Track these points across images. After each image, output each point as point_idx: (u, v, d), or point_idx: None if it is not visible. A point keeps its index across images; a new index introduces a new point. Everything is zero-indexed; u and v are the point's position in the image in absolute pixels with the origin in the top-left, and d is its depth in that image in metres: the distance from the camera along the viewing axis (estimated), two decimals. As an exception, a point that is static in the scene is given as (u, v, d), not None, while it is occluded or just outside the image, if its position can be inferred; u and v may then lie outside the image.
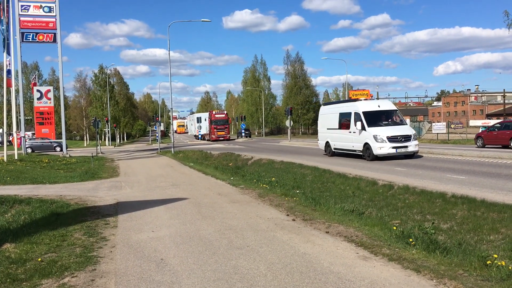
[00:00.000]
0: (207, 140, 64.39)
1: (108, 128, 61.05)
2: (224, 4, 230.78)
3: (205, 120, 67.99)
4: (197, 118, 77.70)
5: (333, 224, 8.24)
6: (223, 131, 62.37)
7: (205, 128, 69.16)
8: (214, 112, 65.36)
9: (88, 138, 74.32)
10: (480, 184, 11.74)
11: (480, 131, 32.53)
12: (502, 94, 71.71)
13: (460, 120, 64.18)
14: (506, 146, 24.41)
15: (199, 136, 73.75)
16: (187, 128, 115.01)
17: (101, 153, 38.74)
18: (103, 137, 66.13)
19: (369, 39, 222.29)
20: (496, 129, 26.16)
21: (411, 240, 6.87)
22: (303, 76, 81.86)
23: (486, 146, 25.96)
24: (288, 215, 9.27)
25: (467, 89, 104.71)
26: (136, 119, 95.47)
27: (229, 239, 7.28)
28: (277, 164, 19.50)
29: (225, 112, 68.54)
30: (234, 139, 65.72)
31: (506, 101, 72.13)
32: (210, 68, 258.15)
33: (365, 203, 10.59)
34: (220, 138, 61.14)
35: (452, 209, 9.02)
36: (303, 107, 78.27)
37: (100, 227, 8.40)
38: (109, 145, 62.61)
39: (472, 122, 46.93)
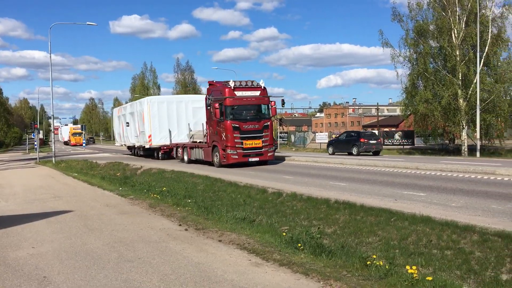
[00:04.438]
0: (187, 162, 25.27)
1: (-23, 135, 55.15)
2: (111, 8, 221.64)
3: (193, 109, 28.34)
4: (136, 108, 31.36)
5: (225, 233, 8.33)
6: (259, 137, 21.36)
7: (162, 130, 28.45)
8: (231, 84, 21.08)
9: (-48, 147, 66.41)
10: (359, 190, 12.69)
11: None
12: (376, 107, 78.51)
13: (340, 131, 68.85)
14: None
15: (137, 149, 33.82)
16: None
17: (-31, 163, 34.85)
18: (-30, 145, 59.52)
19: (258, 51, 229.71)
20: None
21: (299, 245, 7.21)
22: (193, 84, 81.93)
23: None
24: (180, 225, 9.17)
25: (346, 102, 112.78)
26: (10, 126, 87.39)
27: (119, 252, 7.00)
28: (168, 173, 19.22)
29: (262, 85, 21.91)
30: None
31: (379, 114, 78.99)
32: (96, 74, 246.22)
33: (256, 210, 10.89)
34: (252, 156, 21.26)
35: (335, 214, 9.64)
36: (194, 116, 78.09)
37: (-30, 245, 7.55)
38: (-22, 154, 56.52)
39: (351, 133, 50.57)
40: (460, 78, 28.13)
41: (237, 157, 20.79)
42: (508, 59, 28.30)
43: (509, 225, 7.45)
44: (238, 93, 21.06)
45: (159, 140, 28.41)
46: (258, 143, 21.16)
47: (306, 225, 9.27)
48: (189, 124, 26.80)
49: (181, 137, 27.80)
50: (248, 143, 20.93)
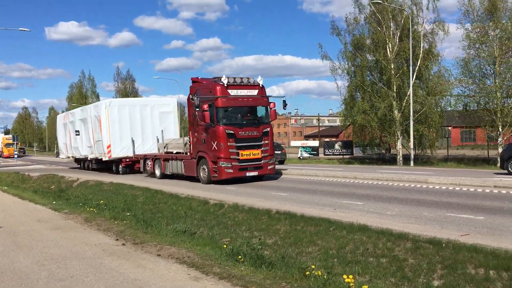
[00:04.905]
0: (160, 176, 21.13)
1: None
2: (47, 14, 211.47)
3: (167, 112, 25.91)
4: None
5: (164, 246, 8.13)
6: (258, 145, 17.48)
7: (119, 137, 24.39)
8: (224, 81, 16.98)
9: None
10: (300, 200, 12.82)
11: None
12: (317, 117, 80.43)
13: (283, 141, 69.86)
14: None
15: (88, 162, 28.81)
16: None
17: None
18: None
19: (201, 61, 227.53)
20: None
21: (240, 257, 7.16)
22: (134, 94, 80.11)
23: None
24: (117, 239, 8.86)
25: (289, 113, 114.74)
26: None
27: (49, 270, 6.63)
28: (106, 185, 18.59)
29: (260, 82, 18.07)
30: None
31: (320, 124, 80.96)
32: (30, 82, 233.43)
33: (197, 222, 10.74)
34: (249, 169, 17.37)
35: (276, 224, 9.68)
36: (134, 126, 76.37)
37: None
38: None
39: (293, 143, 51.48)
40: (395, 91, 29.39)
41: (232, 171, 16.93)
42: (439, 73, 29.89)
43: (439, 232, 7.79)
44: (233, 92, 17.14)
45: (120, 151, 24.20)
46: (257, 153, 17.32)
47: (248, 237, 9.24)
48: (162, 131, 23.07)
49: (146, 147, 24.27)
50: (246, 154, 17.06)
